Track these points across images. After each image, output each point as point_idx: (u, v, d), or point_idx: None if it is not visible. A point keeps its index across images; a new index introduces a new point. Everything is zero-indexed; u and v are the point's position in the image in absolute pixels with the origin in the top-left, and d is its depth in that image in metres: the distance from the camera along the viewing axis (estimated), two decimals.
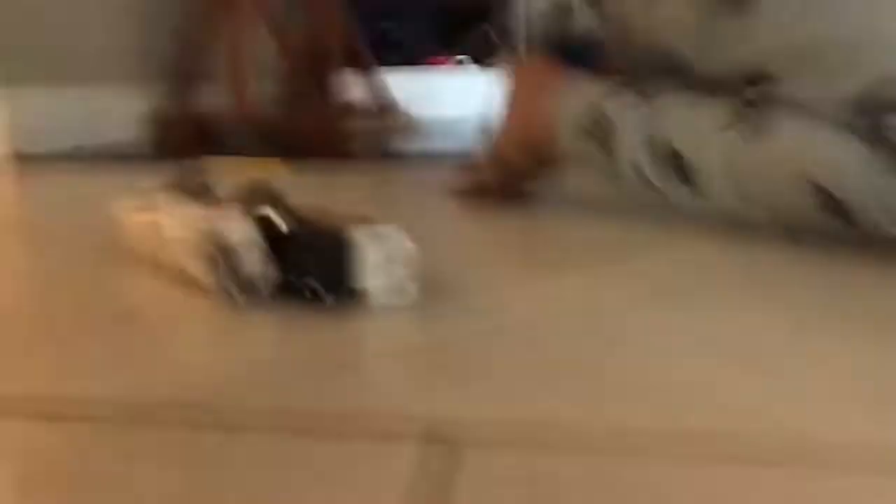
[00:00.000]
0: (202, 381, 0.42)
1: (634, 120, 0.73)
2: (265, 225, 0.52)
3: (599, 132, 0.77)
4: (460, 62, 2.67)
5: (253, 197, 0.54)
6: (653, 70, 0.75)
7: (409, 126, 2.23)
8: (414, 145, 1.78)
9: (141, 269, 0.61)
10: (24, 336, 0.50)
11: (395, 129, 2.20)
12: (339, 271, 0.49)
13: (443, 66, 2.68)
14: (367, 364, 0.47)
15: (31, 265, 0.67)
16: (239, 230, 0.51)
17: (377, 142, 1.89)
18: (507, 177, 0.90)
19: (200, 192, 0.62)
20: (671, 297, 0.57)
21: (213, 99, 2.13)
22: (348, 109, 2.15)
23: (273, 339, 0.50)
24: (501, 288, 0.59)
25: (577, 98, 0.80)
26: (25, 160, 1.51)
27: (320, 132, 1.80)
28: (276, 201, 0.53)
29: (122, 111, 1.85)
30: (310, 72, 1.93)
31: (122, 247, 0.65)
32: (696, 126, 0.70)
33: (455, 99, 2.63)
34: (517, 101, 0.88)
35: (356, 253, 0.49)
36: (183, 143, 1.82)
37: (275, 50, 2.47)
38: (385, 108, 2.42)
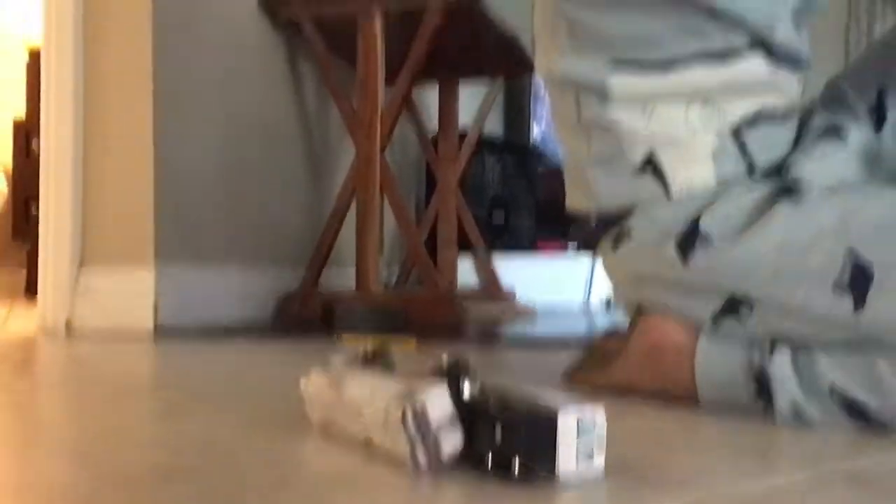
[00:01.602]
0: None
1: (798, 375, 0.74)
2: (457, 394, 0.54)
3: (755, 386, 0.76)
4: (568, 249, 2.76)
5: (448, 370, 0.56)
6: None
7: (520, 310, 2.29)
8: (524, 329, 1.82)
9: (326, 438, 0.63)
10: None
11: (507, 312, 2.26)
12: (545, 446, 0.50)
13: (551, 253, 2.77)
14: None
15: (212, 431, 0.71)
16: (439, 403, 0.53)
17: (490, 324, 1.94)
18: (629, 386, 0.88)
19: (386, 367, 0.65)
20: None
21: (338, 280, 2.28)
22: (463, 293, 2.23)
23: None
24: (671, 466, 0.59)
25: (722, 359, 0.79)
26: (166, 332, 1.63)
27: (436, 314, 1.87)
28: (470, 375, 0.55)
29: (255, 289, 1.99)
30: (429, 256, 2.04)
31: (305, 417, 0.67)
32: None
33: (564, 285, 2.69)
34: (646, 354, 0.85)
35: (561, 428, 0.51)
36: (310, 320, 1.93)
37: (396, 235, 2.64)
38: (497, 293, 2.50)
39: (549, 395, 0.54)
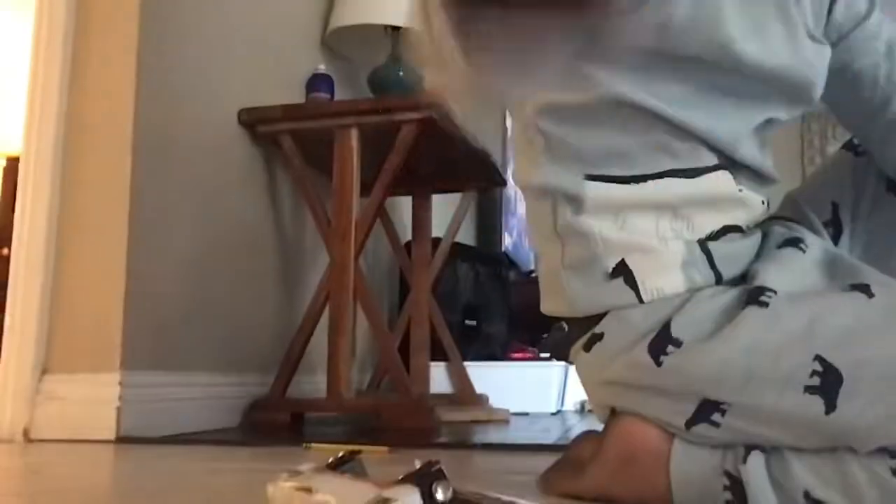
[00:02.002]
0: None
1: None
2: (430, 498, 0.54)
3: (730, 493, 0.75)
4: (540, 357, 2.76)
5: (419, 475, 0.56)
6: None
7: (493, 416, 2.26)
8: (498, 434, 1.79)
9: None
10: None
11: (480, 418, 2.23)
12: None
13: (523, 361, 2.77)
14: None
15: None
16: (405, 498, 0.53)
17: (463, 430, 1.91)
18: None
19: (356, 472, 0.64)
20: None
21: (309, 387, 2.24)
22: (435, 400, 2.20)
23: None
24: None
25: (697, 466, 0.78)
26: (130, 442, 1.58)
27: (408, 420, 1.84)
28: (444, 479, 0.55)
29: (223, 397, 1.95)
30: (401, 363, 2.03)
31: None
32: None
33: (534, 392, 2.68)
34: (620, 460, 0.84)
35: None
36: (279, 428, 1.89)
37: (368, 340, 2.63)
38: (470, 398, 2.47)
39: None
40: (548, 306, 0.90)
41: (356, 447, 0.67)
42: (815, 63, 0.86)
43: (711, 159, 0.84)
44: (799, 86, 0.86)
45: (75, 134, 1.76)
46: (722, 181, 0.84)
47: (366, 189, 2.07)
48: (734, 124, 0.85)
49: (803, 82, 0.86)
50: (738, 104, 0.84)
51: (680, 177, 0.83)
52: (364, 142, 2.07)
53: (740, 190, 0.86)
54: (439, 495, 0.54)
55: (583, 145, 0.85)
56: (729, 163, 0.85)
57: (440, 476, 0.55)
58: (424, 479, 0.55)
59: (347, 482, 0.61)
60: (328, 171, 2.10)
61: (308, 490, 0.62)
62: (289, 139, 2.11)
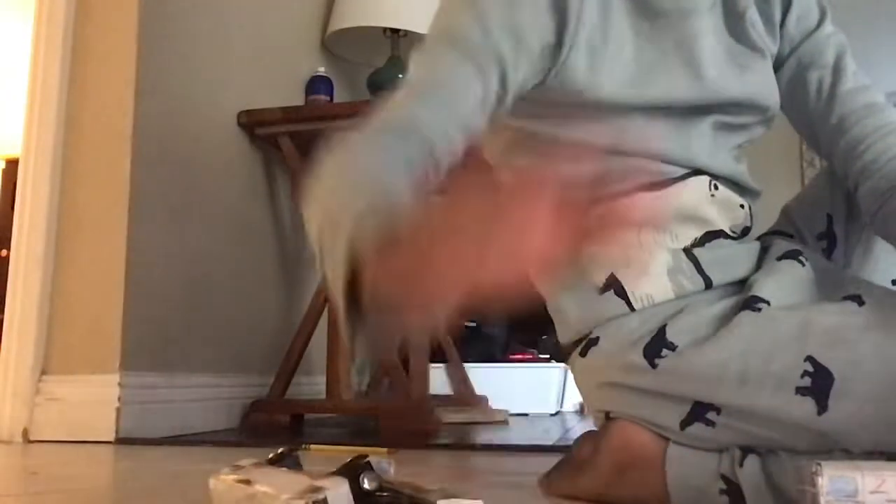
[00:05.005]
0: None
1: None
2: (358, 488, 0.59)
3: (727, 495, 0.75)
4: (539, 358, 2.76)
5: (348, 467, 0.60)
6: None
7: (493, 416, 2.26)
8: (496, 436, 1.79)
9: None
10: None
11: (480, 418, 2.23)
12: None
13: (523, 362, 2.77)
14: None
15: None
16: (335, 488, 0.57)
17: (462, 432, 1.91)
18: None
19: (293, 467, 0.67)
20: None
21: (309, 388, 2.24)
22: (435, 401, 2.21)
23: None
24: None
25: (693, 468, 0.78)
26: (129, 443, 1.58)
27: (408, 421, 1.84)
28: (371, 471, 0.60)
29: (222, 398, 1.95)
30: (401, 365, 2.03)
31: None
32: None
33: (534, 393, 2.68)
34: (616, 463, 0.84)
35: None
36: (278, 430, 1.89)
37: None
38: (469, 399, 2.47)
39: (445, 493, 0.58)
40: (562, 338, 0.92)
41: (357, 449, 0.68)
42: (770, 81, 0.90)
43: (678, 170, 0.85)
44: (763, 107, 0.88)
45: (75, 135, 1.76)
46: (693, 187, 0.85)
47: None
48: (712, 141, 0.87)
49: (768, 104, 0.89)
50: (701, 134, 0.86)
51: (656, 188, 0.84)
52: None
53: (713, 193, 0.86)
54: (366, 485, 0.59)
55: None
56: (704, 173, 0.86)
57: (367, 468, 0.60)
58: (353, 471, 0.60)
59: (283, 474, 0.64)
60: None
61: (247, 482, 0.64)
62: (288, 141, 2.11)
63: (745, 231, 0.89)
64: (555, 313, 0.91)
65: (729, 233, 0.87)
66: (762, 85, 0.89)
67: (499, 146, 0.91)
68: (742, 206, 0.89)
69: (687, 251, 0.84)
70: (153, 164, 1.79)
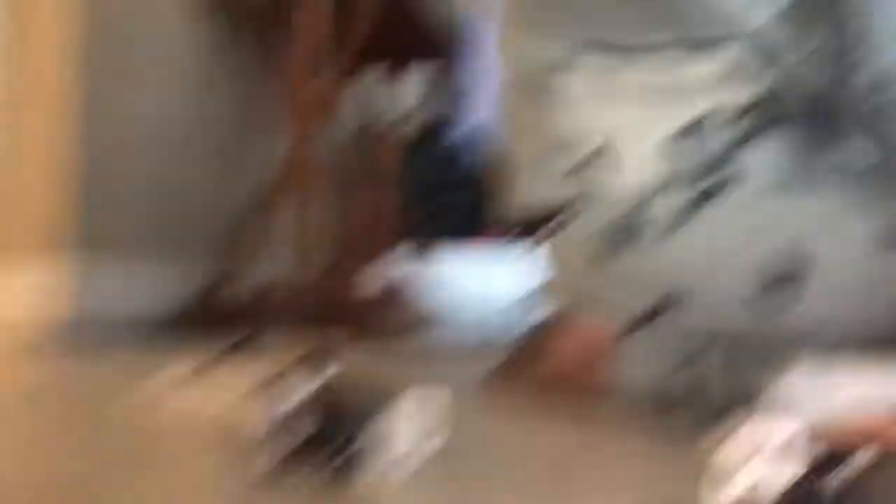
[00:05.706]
0: None
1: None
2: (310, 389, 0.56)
3: (685, 385, 0.76)
4: (506, 244, 2.73)
5: (302, 364, 0.58)
6: None
7: (443, 312, 2.25)
8: (448, 332, 1.79)
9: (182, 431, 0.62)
10: None
11: (429, 315, 2.22)
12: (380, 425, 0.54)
13: (488, 247, 2.75)
14: None
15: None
16: (288, 392, 0.55)
17: (411, 325, 1.90)
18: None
19: (245, 362, 0.65)
20: None
21: (270, 270, 2.19)
22: (391, 292, 2.18)
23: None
24: None
25: (652, 358, 0.79)
26: (71, 330, 1.53)
27: (358, 312, 1.83)
28: (325, 368, 0.57)
29: (168, 285, 1.90)
30: (358, 251, 1.99)
31: (160, 412, 0.66)
32: None
33: (496, 282, 2.68)
34: (574, 352, 0.86)
35: (394, 418, 0.54)
36: (226, 317, 1.85)
37: (321, 228, 2.57)
38: (421, 294, 2.45)
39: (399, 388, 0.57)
40: (517, 200, 0.89)
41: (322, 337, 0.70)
42: None
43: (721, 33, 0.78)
44: None
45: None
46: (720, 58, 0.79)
47: (331, 60, 1.94)
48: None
49: None
50: None
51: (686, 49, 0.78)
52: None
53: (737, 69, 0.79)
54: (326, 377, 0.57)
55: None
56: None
57: (322, 356, 0.59)
58: (305, 368, 0.57)
59: (231, 374, 0.63)
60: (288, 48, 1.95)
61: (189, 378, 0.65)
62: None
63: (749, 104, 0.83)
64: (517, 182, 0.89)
65: (726, 115, 0.82)
66: None
67: None
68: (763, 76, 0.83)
69: (669, 141, 0.80)
70: (106, 31, 1.66)
